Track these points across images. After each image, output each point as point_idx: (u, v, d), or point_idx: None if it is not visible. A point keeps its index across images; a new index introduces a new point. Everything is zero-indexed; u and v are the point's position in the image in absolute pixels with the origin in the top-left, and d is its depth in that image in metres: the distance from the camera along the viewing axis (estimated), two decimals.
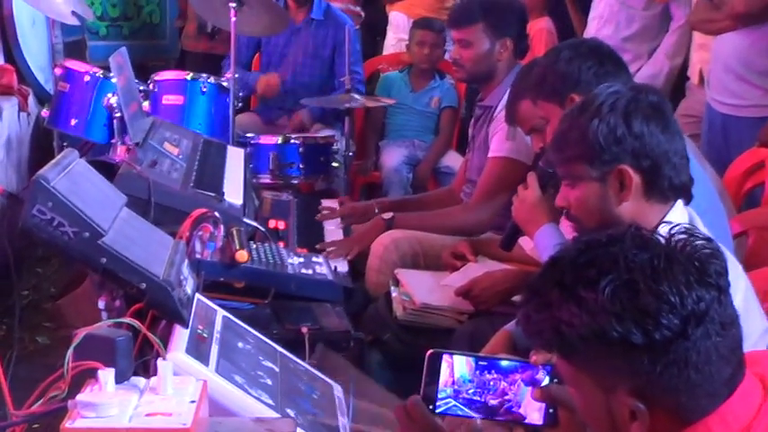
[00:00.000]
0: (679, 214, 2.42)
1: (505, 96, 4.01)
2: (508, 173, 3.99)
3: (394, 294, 3.64)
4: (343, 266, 3.68)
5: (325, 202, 4.59)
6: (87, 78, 5.26)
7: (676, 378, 1.57)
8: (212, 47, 7.17)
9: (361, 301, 3.75)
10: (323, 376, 2.67)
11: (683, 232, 1.65)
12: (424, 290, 3.58)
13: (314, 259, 3.48)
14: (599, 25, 5.69)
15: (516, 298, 3.36)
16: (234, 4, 5.15)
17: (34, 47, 6.38)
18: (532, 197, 3.09)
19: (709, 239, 1.65)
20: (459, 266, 3.77)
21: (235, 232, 3.21)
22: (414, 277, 3.70)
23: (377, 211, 4.35)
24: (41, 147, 5.92)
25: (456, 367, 2.04)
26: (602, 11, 5.70)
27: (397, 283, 3.69)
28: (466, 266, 3.75)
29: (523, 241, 3.50)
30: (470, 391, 2.04)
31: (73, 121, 5.27)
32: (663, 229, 1.69)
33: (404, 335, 3.54)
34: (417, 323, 3.53)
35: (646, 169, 2.42)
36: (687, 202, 2.49)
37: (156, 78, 5.22)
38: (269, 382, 2.41)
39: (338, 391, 2.65)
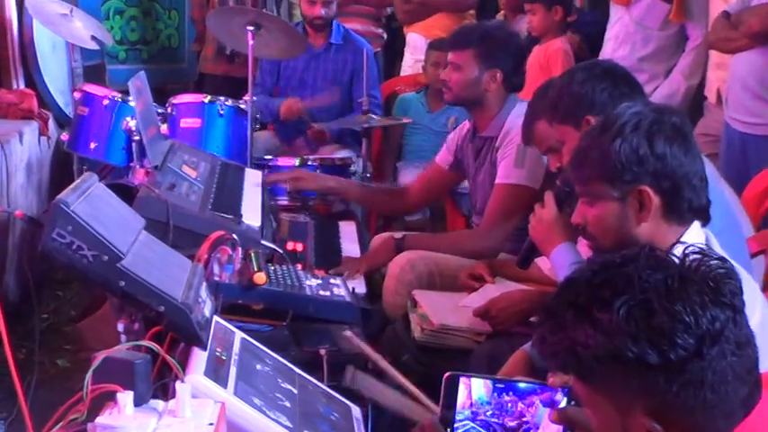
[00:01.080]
0: (695, 235, 2.42)
1: (505, 125, 4.13)
2: (517, 199, 4.03)
3: (412, 315, 3.64)
4: (360, 288, 3.68)
5: (343, 225, 4.60)
6: (106, 102, 5.31)
7: (692, 398, 1.57)
8: (231, 69, 7.21)
9: (379, 323, 3.76)
10: (341, 398, 2.67)
11: (697, 252, 1.65)
12: (441, 311, 3.58)
13: (332, 281, 3.48)
14: (615, 45, 5.70)
15: (534, 318, 3.36)
16: (251, 28, 5.20)
17: (54, 71, 6.43)
18: (549, 216, 3.09)
19: (723, 259, 1.65)
20: (476, 287, 3.77)
21: (253, 254, 3.22)
22: (431, 298, 3.70)
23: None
24: (61, 170, 5.95)
25: (474, 389, 2.05)
26: (618, 31, 5.70)
27: (414, 304, 3.69)
28: (484, 287, 3.75)
29: (541, 261, 3.50)
30: (488, 413, 2.04)
31: (92, 145, 5.32)
32: (677, 250, 1.69)
33: (422, 356, 3.54)
34: (435, 344, 3.53)
35: (666, 190, 2.42)
36: (704, 224, 2.49)
37: (174, 101, 5.27)
38: (287, 404, 2.42)
39: (356, 412, 2.65)
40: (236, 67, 7.13)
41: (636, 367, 1.57)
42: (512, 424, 2.04)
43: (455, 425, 2.04)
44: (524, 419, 2.03)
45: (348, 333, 2.95)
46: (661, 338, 1.55)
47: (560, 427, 1.97)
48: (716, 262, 1.63)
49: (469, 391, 2.04)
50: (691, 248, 1.66)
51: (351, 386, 2.68)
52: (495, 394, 2.04)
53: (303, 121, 6.11)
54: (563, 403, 2.00)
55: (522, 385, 2.06)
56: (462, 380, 2.05)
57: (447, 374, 2.06)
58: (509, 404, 2.04)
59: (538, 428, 2.03)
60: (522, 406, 2.04)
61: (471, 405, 2.04)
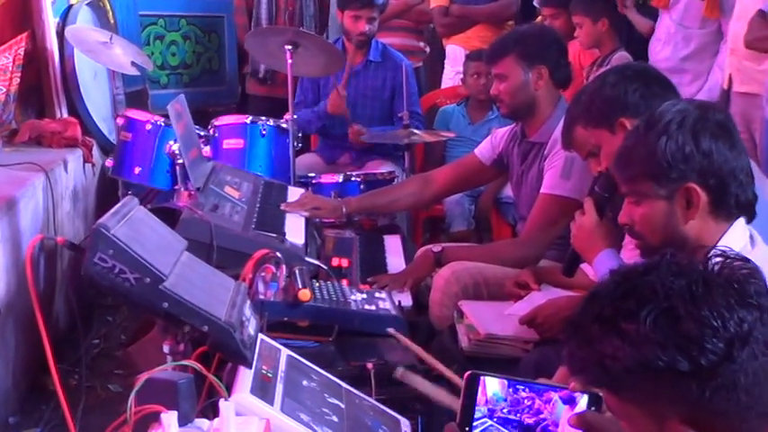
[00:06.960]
0: (740, 232, 2.42)
1: (555, 132, 4.03)
2: (560, 211, 3.98)
3: (458, 326, 3.64)
4: (406, 301, 3.68)
5: (388, 239, 4.60)
6: (149, 127, 5.36)
7: (726, 402, 1.55)
8: (271, 90, 7.22)
9: (425, 335, 3.75)
10: (390, 411, 2.68)
11: (718, 255, 1.63)
12: (488, 320, 3.57)
13: (377, 295, 3.48)
14: (659, 47, 5.76)
15: None
16: (289, 47, 5.21)
17: (97, 98, 6.49)
18: (590, 223, 3.08)
19: (746, 260, 1.63)
20: (522, 295, 3.76)
21: (297, 271, 3.23)
22: (477, 308, 3.68)
23: (344, 209, 4.41)
24: (107, 196, 5.99)
25: (489, 386, 2.05)
26: (661, 33, 5.75)
27: (461, 314, 3.68)
28: (530, 295, 3.72)
29: (587, 267, 3.48)
30: (504, 410, 2.04)
31: (137, 170, 5.37)
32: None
33: (470, 366, 3.50)
34: (483, 354, 3.51)
35: (713, 187, 2.42)
36: (750, 220, 2.48)
37: (217, 123, 5.29)
38: (335, 418, 2.42)
39: (405, 425, 2.65)
40: (274, 87, 7.13)
41: (667, 375, 1.55)
42: (529, 421, 2.03)
43: (473, 423, 2.03)
44: (542, 416, 2.03)
45: (391, 330, 2.95)
46: (690, 345, 1.53)
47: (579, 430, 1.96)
48: (739, 263, 1.62)
49: (484, 388, 2.04)
50: (712, 251, 1.65)
51: (402, 379, 2.72)
52: (511, 390, 2.04)
53: (346, 138, 6.10)
54: (582, 401, 2.00)
55: (540, 385, 2.07)
56: (481, 378, 2.05)
57: (468, 373, 2.07)
58: (525, 400, 2.03)
59: (557, 426, 2.02)
60: (540, 403, 2.03)
61: (487, 402, 2.04)
